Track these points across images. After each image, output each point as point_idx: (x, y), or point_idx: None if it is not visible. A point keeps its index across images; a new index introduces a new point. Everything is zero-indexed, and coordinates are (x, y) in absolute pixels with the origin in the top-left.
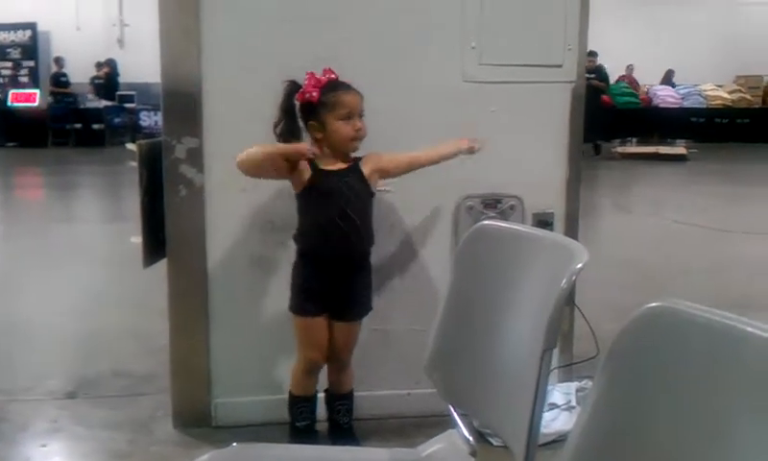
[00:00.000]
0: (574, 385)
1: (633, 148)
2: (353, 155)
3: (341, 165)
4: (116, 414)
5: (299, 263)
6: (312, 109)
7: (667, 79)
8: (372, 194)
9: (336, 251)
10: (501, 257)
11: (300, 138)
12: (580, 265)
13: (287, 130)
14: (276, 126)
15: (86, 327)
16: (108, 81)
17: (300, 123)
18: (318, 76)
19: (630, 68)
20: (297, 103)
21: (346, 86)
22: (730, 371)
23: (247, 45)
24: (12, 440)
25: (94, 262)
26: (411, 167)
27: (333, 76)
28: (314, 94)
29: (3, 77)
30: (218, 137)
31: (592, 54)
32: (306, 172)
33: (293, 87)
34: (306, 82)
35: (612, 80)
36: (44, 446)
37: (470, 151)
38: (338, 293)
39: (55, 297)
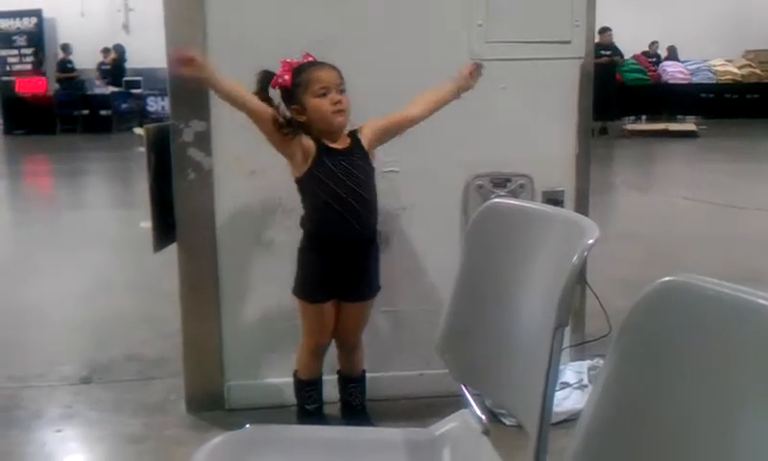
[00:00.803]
0: (586, 364)
1: (642, 125)
2: (350, 128)
3: (342, 144)
4: (129, 398)
5: (306, 249)
6: (289, 94)
7: (671, 55)
8: (372, 168)
9: (347, 231)
10: (511, 235)
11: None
12: (591, 241)
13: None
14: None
15: (98, 313)
16: (115, 67)
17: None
18: (292, 61)
19: (655, 45)
20: (275, 91)
21: (318, 63)
22: (743, 344)
23: (251, 28)
24: (27, 426)
25: (105, 248)
26: (409, 120)
27: (311, 58)
28: (286, 77)
29: (9, 64)
30: (226, 120)
31: (606, 29)
32: (311, 149)
33: (265, 76)
34: (280, 68)
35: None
36: (59, 431)
37: (473, 76)
38: (347, 275)
39: (66, 283)
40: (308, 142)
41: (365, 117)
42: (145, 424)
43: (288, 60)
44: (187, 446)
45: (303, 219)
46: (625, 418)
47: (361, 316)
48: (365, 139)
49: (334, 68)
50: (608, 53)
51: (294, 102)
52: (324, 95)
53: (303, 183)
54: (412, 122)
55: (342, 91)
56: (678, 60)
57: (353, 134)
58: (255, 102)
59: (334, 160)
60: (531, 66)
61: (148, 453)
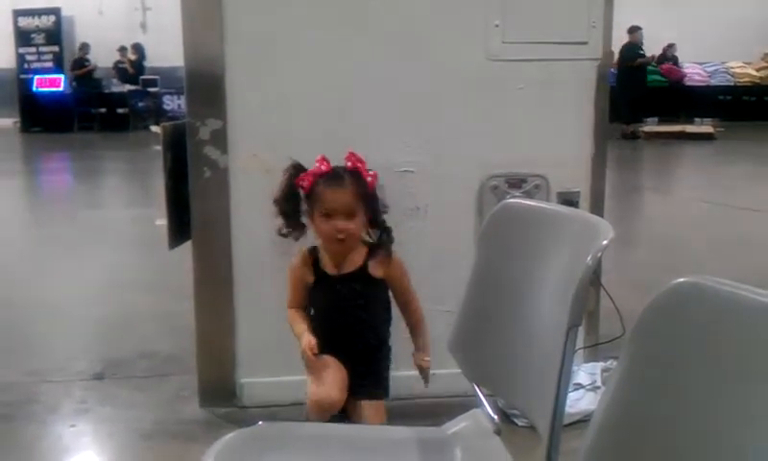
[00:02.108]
0: (599, 365)
1: (659, 127)
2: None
3: (351, 266)
4: (143, 394)
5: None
6: (306, 198)
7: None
8: (384, 289)
9: (348, 344)
10: (526, 235)
11: (298, 222)
12: (605, 242)
13: (283, 211)
14: (274, 202)
15: (113, 310)
16: (134, 66)
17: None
18: (325, 163)
19: (672, 48)
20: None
21: (333, 180)
22: (759, 347)
23: (268, 26)
24: (42, 420)
25: (120, 245)
26: (405, 307)
27: (323, 166)
28: (304, 184)
29: (28, 62)
30: (242, 119)
31: (637, 28)
32: (311, 277)
33: (294, 171)
34: (314, 165)
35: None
36: (73, 426)
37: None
38: (354, 370)
39: (81, 280)
40: (308, 272)
41: (380, 120)
42: (158, 420)
43: (323, 162)
44: (200, 442)
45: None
46: (637, 419)
47: (373, 417)
48: (377, 273)
49: (348, 189)
50: (642, 52)
51: (308, 208)
52: (327, 217)
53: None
54: (405, 313)
55: (351, 215)
56: (676, 60)
57: (368, 255)
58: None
59: (330, 287)
60: (547, 67)
61: (161, 449)
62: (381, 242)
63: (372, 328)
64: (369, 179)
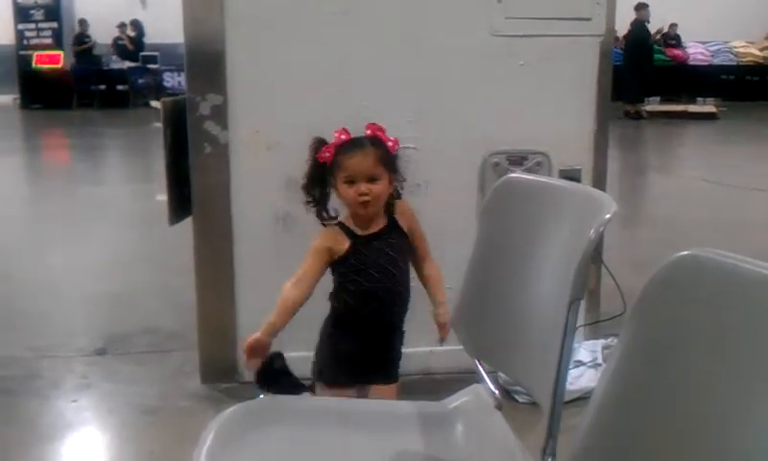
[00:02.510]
0: (600, 343)
1: (661, 106)
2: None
3: (377, 227)
4: (145, 370)
5: (334, 328)
6: (330, 170)
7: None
8: (410, 248)
9: (382, 315)
10: (528, 210)
11: (327, 200)
12: (608, 215)
13: (313, 193)
14: (303, 188)
15: (115, 286)
16: (133, 42)
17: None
18: (345, 133)
19: (673, 27)
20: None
21: (353, 146)
22: (761, 319)
23: (269, 1)
24: (44, 396)
25: (121, 221)
26: (424, 258)
27: (344, 136)
28: (326, 154)
29: (27, 38)
30: (242, 94)
31: (644, 5)
32: (344, 243)
33: (317, 146)
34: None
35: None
36: (75, 401)
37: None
38: (374, 358)
39: (83, 256)
40: (341, 240)
41: (382, 96)
42: (159, 395)
43: (343, 133)
44: (201, 417)
45: (332, 296)
46: (637, 395)
47: (388, 397)
48: (404, 224)
49: (369, 154)
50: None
51: (333, 179)
52: (351, 183)
53: (337, 268)
54: (418, 272)
55: (373, 179)
56: (679, 39)
57: (390, 214)
58: (307, 280)
59: (369, 247)
60: (550, 43)
61: (162, 424)
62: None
63: (407, 286)
64: (390, 143)
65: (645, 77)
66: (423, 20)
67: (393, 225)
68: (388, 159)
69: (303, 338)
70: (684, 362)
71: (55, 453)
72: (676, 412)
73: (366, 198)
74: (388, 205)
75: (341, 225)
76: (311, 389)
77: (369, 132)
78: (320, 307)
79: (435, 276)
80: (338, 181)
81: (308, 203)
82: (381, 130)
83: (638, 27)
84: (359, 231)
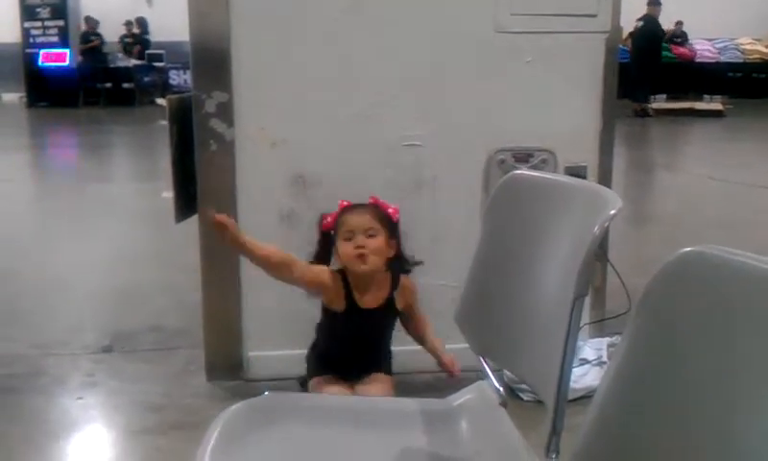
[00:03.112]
0: (605, 341)
1: (668, 104)
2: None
3: (375, 302)
4: (151, 367)
5: (318, 335)
6: (333, 237)
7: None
8: (394, 321)
9: (357, 359)
10: (533, 207)
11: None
12: (613, 212)
13: (317, 257)
14: (312, 263)
15: (120, 283)
16: (137, 41)
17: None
18: (346, 203)
19: (679, 25)
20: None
21: (354, 207)
22: (766, 316)
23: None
24: (49, 393)
25: (127, 219)
26: (416, 323)
27: (375, 200)
28: (328, 220)
29: (33, 37)
30: (248, 91)
31: (657, 2)
32: (340, 302)
33: (321, 219)
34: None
35: None
36: (80, 399)
37: (449, 370)
38: (358, 361)
39: (89, 253)
40: (340, 295)
41: (387, 93)
42: (165, 393)
43: (342, 202)
44: (207, 415)
45: (317, 328)
46: (641, 392)
47: (380, 390)
48: (400, 304)
49: (368, 211)
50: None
51: (335, 245)
52: (349, 239)
53: (325, 314)
54: (411, 334)
55: (371, 236)
56: (685, 37)
57: (392, 291)
58: (294, 262)
59: (358, 321)
60: (556, 39)
61: (168, 422)
62: (402, 270)
63: (384, 348)
64: (390, 210)
65: (653, 75)
66: (429, 17)
67: (390, 304)
68: (386, 219)
69: (301, 337)
70: (689, 359)
71: (60, 451)
72: (680, 410)
73: (362, 250)
74: (393, 279)
75: (344, 278)
76: (304, 386)
77: (371, 200)
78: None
79: (426, 328)
80: (339, 242)
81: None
82: (383, 202)
83: (650, 22)
84: (359, 301)
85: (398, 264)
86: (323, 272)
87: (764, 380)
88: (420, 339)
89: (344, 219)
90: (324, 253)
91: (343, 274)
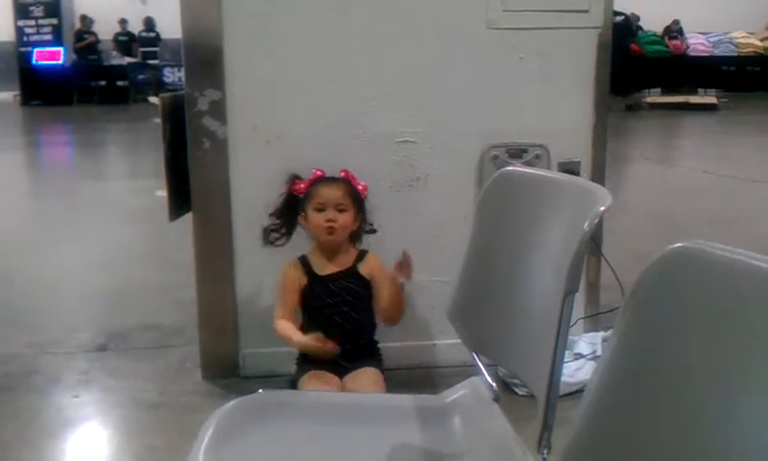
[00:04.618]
0: (600, 335)
1: (662, 97)
2: (359, 247)
3: (335, 268)
4: (146, 366)
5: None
6: (302, 202)
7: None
8: (370, 289)
9: (338, 341)
10: (524, 202)
11: (292, 224)
12: (603, 208)
13: (280, 215)
14: (272, 215)
15: (115, 281)
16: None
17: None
18: (321, 171)
19: (676, 23)
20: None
21: (328, 180)
22: (756, 311)
23: None
24: (44, 391)
25: (121, 217)
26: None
27: (319, 173)
28: (301, 186)
29: (27, 35)
30: (241, 89)
31: None
32: (303, 279)
33: (292, 181)
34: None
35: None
36: (76, 397)
37: (404, 270)
38: (345, 361)
39: (83, 252)
40: (302, 274)
41: (380, 90)
42: (161, 391)
43: (317, 172)
44: (202, 412)
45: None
46: (632, 386)
47: (371, 385)
48: (364, 271)
49: (341, 186)
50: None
51: (302, 210)
52: (321, 210)
53: (302, 306)
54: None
55: (341, 210)
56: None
57: (358, 257)
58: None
59: (323, 286)
60: (548, 35)
61: (163, 419)
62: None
63: (361, 328)
64: (360, 186)
65: (622, 71)
66: (421, 14)
67: (352, 269)
68: (357, 197)
69: None
70: (678, 354)
71: (56, 449)
72: (670, 403)
73: (332, 224)
74: (359, 253)
75: (302, 260)
76: (294, 385)
77: (342, 174)
78: None
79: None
80: (308, 210)
81: (273, 231)
82: (354, 176)
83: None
84: (318, 270)
85: (358, 234)
86: (287, 280)
87: (753, 375)
88: (384, 299)
89: (317, 190)
90: (288, 213)
91: (302, 259)
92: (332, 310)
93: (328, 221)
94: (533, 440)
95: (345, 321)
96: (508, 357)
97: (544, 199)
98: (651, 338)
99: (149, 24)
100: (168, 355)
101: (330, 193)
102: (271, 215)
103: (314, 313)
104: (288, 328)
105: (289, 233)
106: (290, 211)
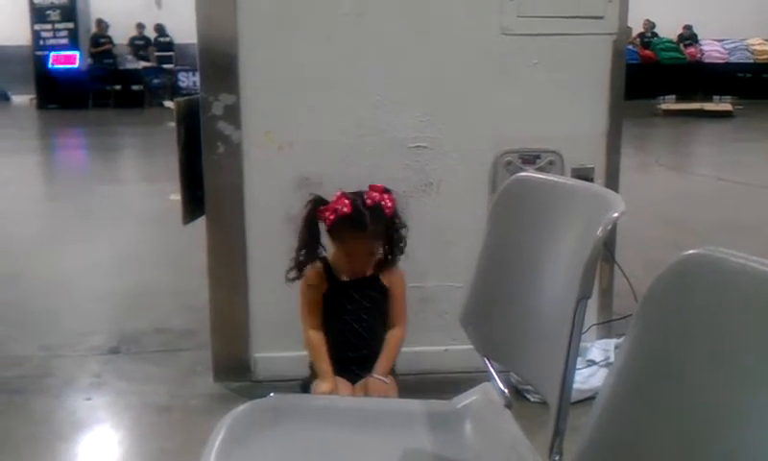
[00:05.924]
0: (613, 342)
1: (677, 104)
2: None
3: (357, 276)
4: (158, 369)
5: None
6: (328, 232)
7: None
8: (387, 296)
9: (353, 349)
10: (538, 208)
11: (316, 251)
12: (616, 214)
13: (305, 241)
14: (300, 237)
15: (128, 285)
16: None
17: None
18: (345, 199)
19: (688, 29)
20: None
21: (355, 227)
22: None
23: (282, 1)
24: (57, 394)
25: (135, 221)
26: (392, 322)
27: (345, 201)
28: (329, 217)
29: (43, 39)
30: (255, 94)
31: None
32: (324, 284)
33: (315, 205)
34: (332, 201)
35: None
36: (89, 399)
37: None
38: (355, 359)
39: (97, 255)
40: (323, 280)
41: (393, 95)
42: (172, 394)
43: (343, 198)
44: (213, 415)
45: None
46: (644, 392)
47: (384, 391)
48: (386, 280)
49: (368, 235)
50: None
51: (330, 239)
52: (350, 256)
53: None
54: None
55: (371, 255)
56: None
57: (380, 265)
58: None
59: (344, 292)
60: (563, 42)
61: (174, 423)
62: (391, 254)
63: (377, 336)
64: (387, 210)
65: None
66: (436, 20)
67: (373, 278)
68: (385, 229)
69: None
70: (691, 361)
71: (68, 451)
72: (682, 410)
73: (356, 269)
74: (382, 261)
75: (325, 264)
76: (307, 389)
77: (369, 201)
78: None
79: (391, 344)
80: (335, 244)
81: (299, 250)
82: (381, 191)
83: None
84: (340, 276)
85: (392, 259)
86: (311, 289)
87: (766, 380)
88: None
89: (345, 238)
90: (312, 240)
91: (324, 264)
92: (352, 317)
93: (353, 266)
94: (544, 447)
95: (362, 328)
96: (520, 363)
97: (558, 205)
98: (664, 345)
99: (160, 30)
100: (180, 358)
101: (358, 244)
102: (299, 236)
103: (333, 319)
104: (319, 355)
105: (313, 257)
106: (313, 237)
